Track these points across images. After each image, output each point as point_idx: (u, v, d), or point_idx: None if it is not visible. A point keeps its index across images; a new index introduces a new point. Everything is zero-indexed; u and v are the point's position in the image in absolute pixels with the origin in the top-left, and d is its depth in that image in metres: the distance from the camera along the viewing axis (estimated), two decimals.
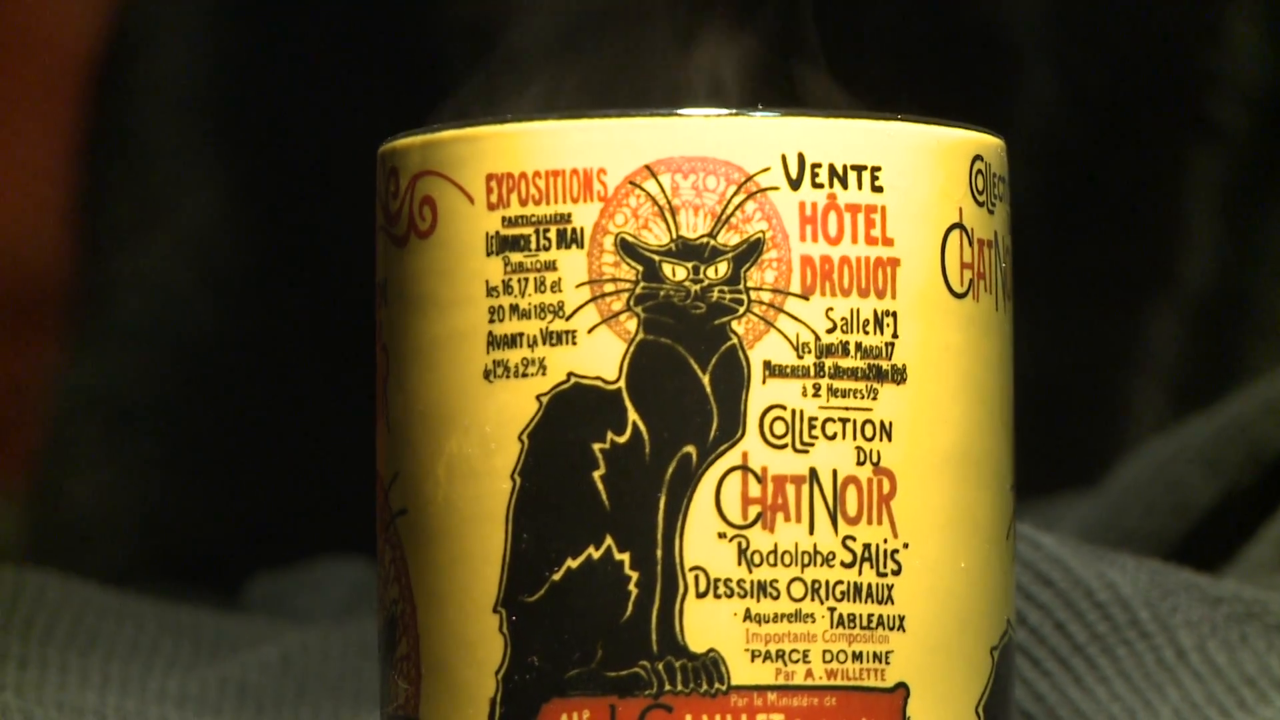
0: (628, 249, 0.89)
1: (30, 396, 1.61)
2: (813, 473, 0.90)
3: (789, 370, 0.90)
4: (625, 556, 0.90)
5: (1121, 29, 1.37)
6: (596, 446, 0.90)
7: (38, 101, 1.70)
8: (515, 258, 0.90)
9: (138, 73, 1.54)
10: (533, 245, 0.90)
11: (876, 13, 1.36)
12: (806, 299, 0.89)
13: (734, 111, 0.90)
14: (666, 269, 0.89)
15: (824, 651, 0.90)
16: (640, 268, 0.89)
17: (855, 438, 0.90)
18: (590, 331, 0.90)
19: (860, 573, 0.91)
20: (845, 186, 0.90)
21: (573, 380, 0.90)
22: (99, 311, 1.55)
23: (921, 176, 0.91)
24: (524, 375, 0.90)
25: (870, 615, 0.91)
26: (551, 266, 0.90)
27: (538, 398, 0.90)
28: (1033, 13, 1.36)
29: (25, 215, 1.71)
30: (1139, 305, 1.39)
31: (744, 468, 0.90)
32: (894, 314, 0.91)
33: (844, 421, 0.90)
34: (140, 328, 1.52)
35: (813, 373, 0.90)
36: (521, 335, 0.90)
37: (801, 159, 0.89)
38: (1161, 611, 1.04)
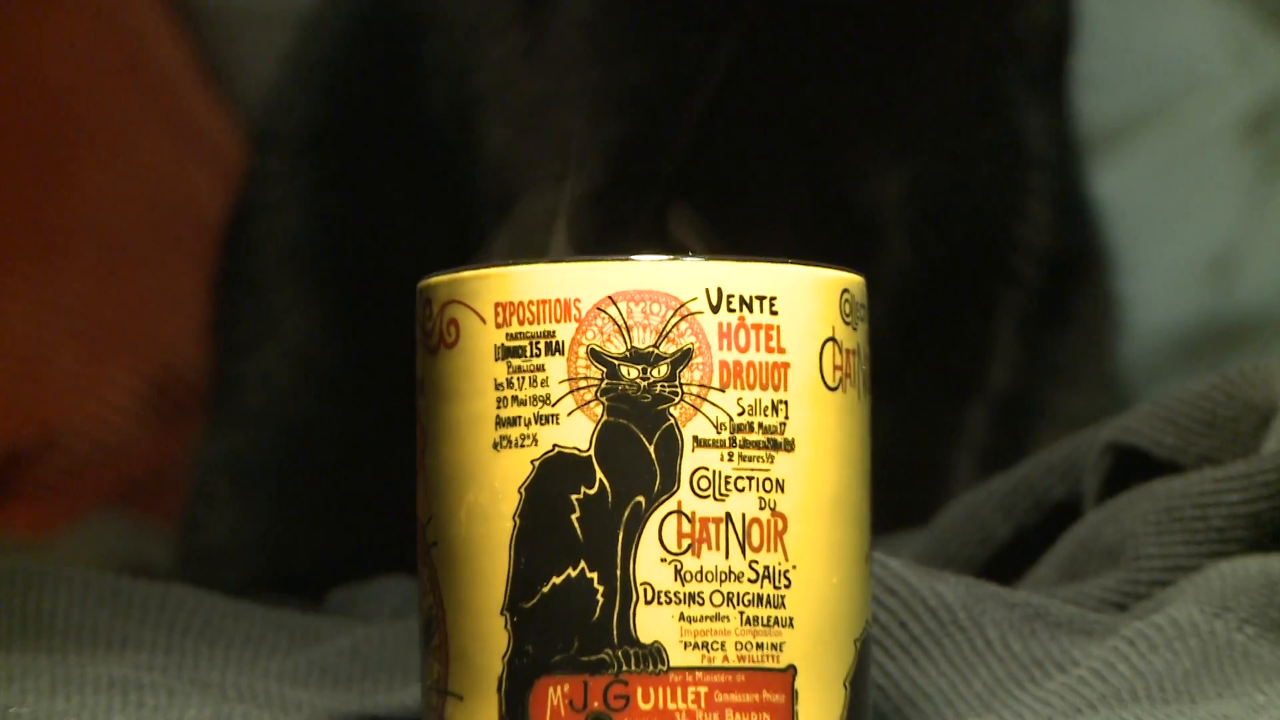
0: (595, 356, 0.88)
1: (181, 464, 1.59)
2: (728, 515, 0.89)
3: (711, 442, 0.89)
4: (594, 575, 0.89)
5: (953, 208, 1.36)
6: (573, 497, 0.89)
7: (186, 251, 1.67)
8: (515, 362, 0.89)
9: (256, 226, 1.53)
10: (527, 353, 0.89)
11: (781, 203, 1.35)
12: (723, 391, 0.89)
13: (671, 257, 0.90)
14: (623, 370, 0.88)
15: (736, 642, 0.89)
16: (604, 369, 0.88)
17: (758, 490, 0.89)
18: (569, 415, 0.89)
19: (761, 586, 0.90)
20: (751, 311, 0.89)
21: (556, 449, 0.89)
22: (228, 402, 1.54)
23: (805, 303, 0.90)
24: (522, 446, 0.89)
25: (769, 617, 0.90)
26: (541, 369, 0.89)
27: (532, 462, 0.89)
28: (889, 198, 1.34)
29: (177, 336, 1.68)
30: (961, 401, 1.38)
31: (679, 512, 0.89)
32: (786, 402, 0.90)
33: (750, 479, 0.89)
34: (258, 412, 1.51)
35: (728, 444, 0.89)
36: (520, 417, 0.89)
37: (720, 291, 0.89)
38: (974, 613, 1.04)
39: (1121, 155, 2.02)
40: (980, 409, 1.39)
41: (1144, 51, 2.08)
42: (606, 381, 0.89)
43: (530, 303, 0.90)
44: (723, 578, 0.89)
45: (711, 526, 0.89)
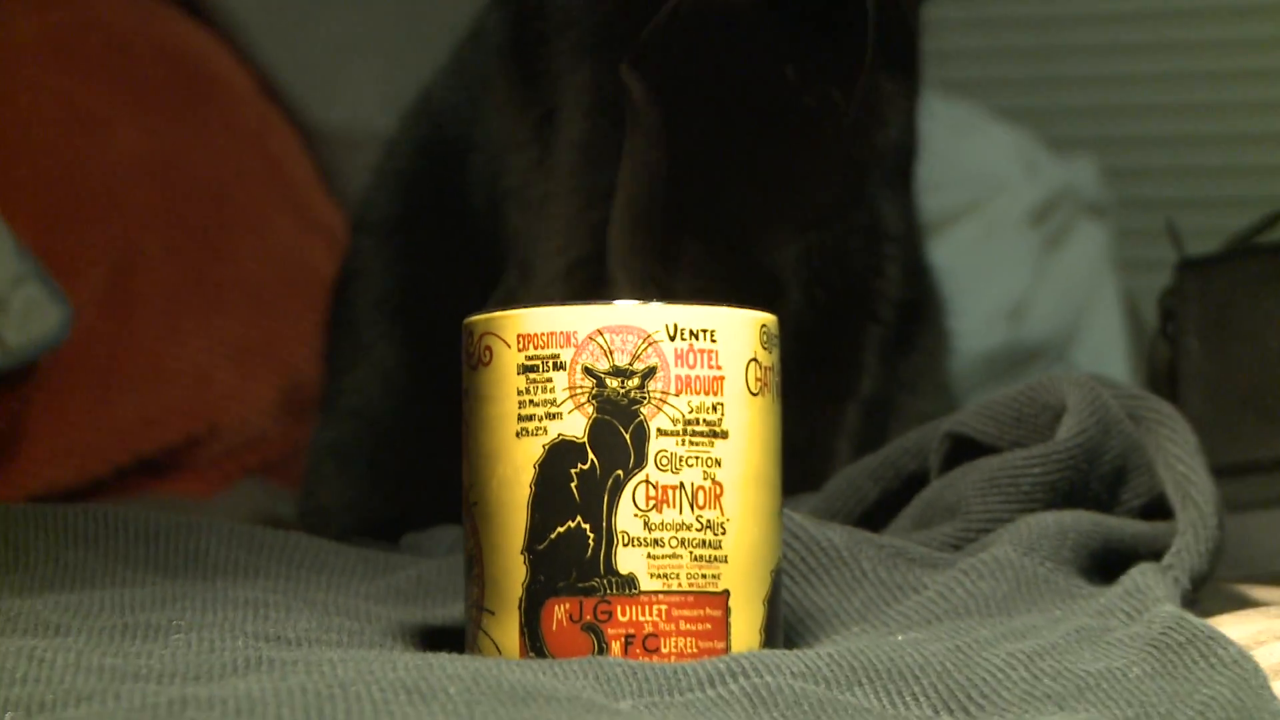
0: (588, 371, 0.88)
1: (301, 448, 1.58)
2: (681, 484, 0.88)
3: (669, 432, 0.88)
4: (587, 526, 0.87)
5: (834, 269, 1.33)
6: (572, 470, 0.88)
7: (307, 301, 1.65)
8: (531, 376, 0.88)
9: (353, 285, 1.52)
10: (540, 370, 0.88)
11: (715, 265, 1.33)
12: (678, 396, 0.88)
13: (641, 302, 0.88)
14: (608, 381, 0.88)
15: (687, 574, 0.88)
16: (594, 381, 0.88)
17: (702, 466, 0.89)
18: (569, 413, 0.88)
19: (705, 534, 0.88)
20: (697, 339, 0.88)
21: (560, 437, 0.88)
22: (333, 405, 1.52)
23: (735, 335, 0.89)
24: (536, 435, 0.88)
25: (710, 555, 0.88)
26: (550, 380, 0.88)
27: (543, 446, 0.88)
28: (789, 263, 1.32)
29: (301, 360, 1.66)
30: (842, 403, 1.37)
31: (646, 481, 0.88)
32: (722, 404, 0.89)
33: (697, 458, 0.89)
34: (353, 412, 1.50)
35: (681, 433, 0.88)
36: (534, 415, 0.88)
37: (676, 326, 0.88)
38: (853, 551, 1.02)
39: (949, 234, 2.01)
40: (855, 409, 1.37)
41: (963, 162, 2.07)
42: (596, 390, 0.88)
43: (541, 334, 0.88)
44: (678, 528, 0.88)
45: (670, 492, 0.88)
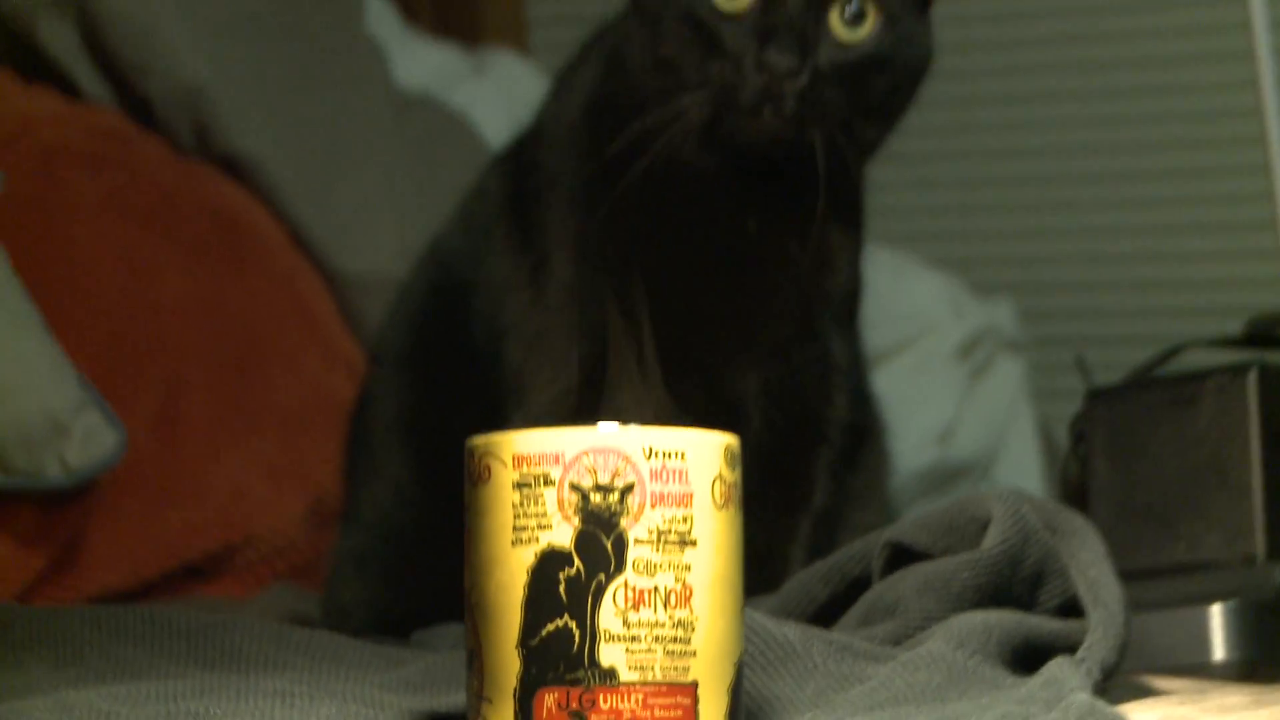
0: (574, 488, 0.87)
1: (326, 555, 1.57)
2: (656, 587, 0.87)
3: (645, 541, 0.87)
4: (573, 624, 0.86)
5: (789, 397, 1.34)
6: (561, 575, 0.87)
7: (331, 424, 1.65)
8: (524, 492, 0.87)
9: (370, 409, 1.51)
10: (532, 487, 0.87)
11: (685, 394, 1.32)
12: (653, 509, 0.87)
13: (623, 427, 0.87)
14: (592, 497, 0.87)
15: (660, 666, 0.86)
16: (580, 496, 0.87)
17: (674, 571, 0.88)
18: (558, 525, 0.87)
19: (676, 631, 0.87)
20: (670, 459, 0.88)
21: (550, 546, 0.86)
22: (353, 516, 1.51)
23: (702, 454, 0.88)
24: (528, 543, 0.87)
25: (682, 650, 0.87)
26: (541, 496, 0.87)
27: (535, 553, 0.87)
28: (750, 391, 1.32)
29: (326, 476, 1.66)
30: (796, 515, 1.36)
31: (625, 585, 0.86)
32: (691, 516, 0.88)
33: (669, 563, 0.88)
34: (370, 523, 1.48)
35: (656, 542, 0.87)
36: (527, 526, 0.87)
37: (650, 447, 0.88)
38: (806, 646, 1.01)
39: (888, 366, 2.01)
40: (807, 520, 1.36)
41: (900, 304, 2.07)
42: (581, 504, 0.87)
43: (534, 454, 0.87)
44: (653, 626, 0.87)
45: (646, 594, 0.87)
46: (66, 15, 1.85)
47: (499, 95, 2.16)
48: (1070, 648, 1.01)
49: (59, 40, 1.85)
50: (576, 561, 0.87)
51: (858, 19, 1.27)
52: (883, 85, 1.29)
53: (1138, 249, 2.53)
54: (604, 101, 1.35)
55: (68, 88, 1.85)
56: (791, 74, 1.24)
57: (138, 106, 1.86)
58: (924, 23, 1.32)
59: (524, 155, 1.41)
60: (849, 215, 1.37)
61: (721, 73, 1.25)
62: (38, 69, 1.85)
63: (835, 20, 1.27)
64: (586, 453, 0.87)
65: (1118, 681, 1.03)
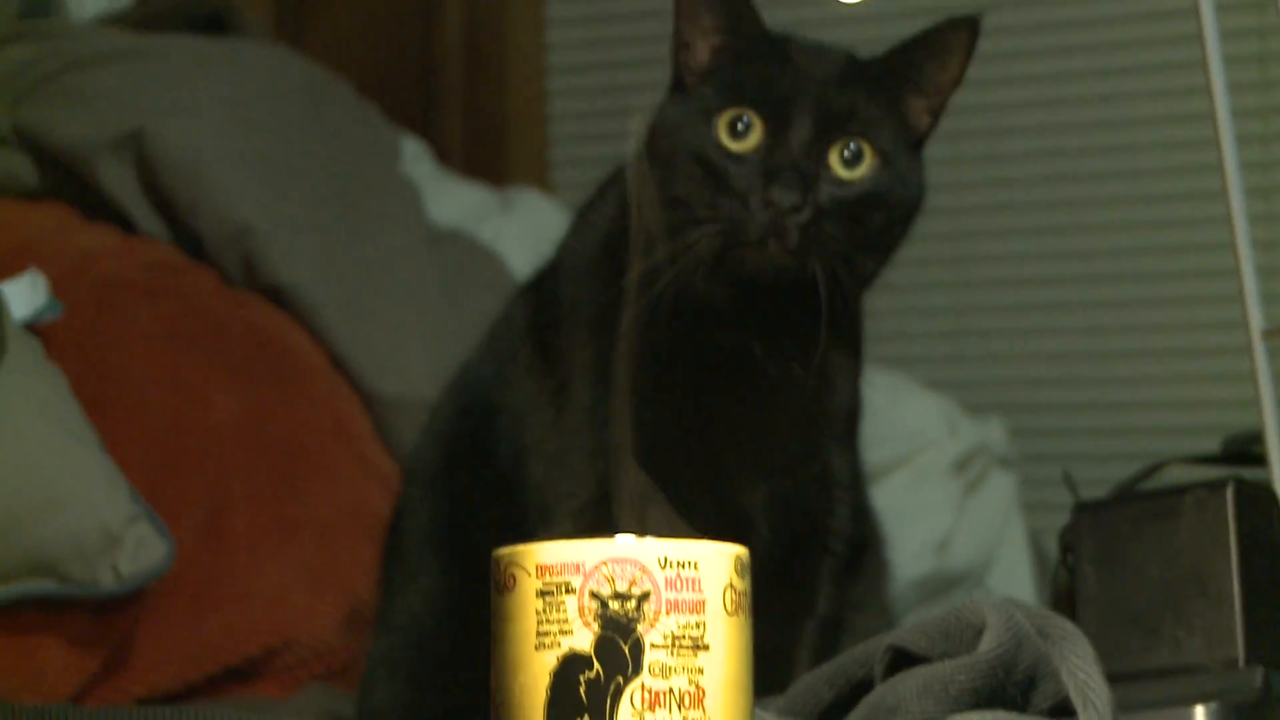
0: (594, 596, 0.86)
1: (360, 658, 1.55)
2: (671, 689, 0.85)
3: (660, 646, 0.86)
4: None
5: (794, 511, 1.33)
6: (581, 678, 0.85)
7: (367, 535, 1.63)
8: (547, 599, 0.86)
9: (404, 522, 1.50)
10: (555, 594, 0.86)
11: (697, 508, 1.31)
12: (668, 616, 0.86)
13: (639, 539, 0.87)
14: (611, 604, 0.86)
15: None
16: (599, 604, 0.86)
17: (688, 674, 0.86)
18: (579, 630, 0.86)
19: None
20: (684, 568, 0.86)
21: (571, 650, 0.85)
22: (386, 622, 1.50)
23: (714, 565, 0.87)
24: (551, 648, 0.86)
25: None
26: (563, 603, 0.86)
27: (557, 658, 0.86)
28: (758, 505, 1.31)
29: (361, 583, 1.64)
30: (802, 621, 1.34)
31: (642, 687, 0.85)
32: (704, 622, 0.87)
33: (683, 667, 0.86)
34: (402, 628, 1.47)
35: (670, 647, 0.86)
36: (550, 631, 0.86)
37: (666, 558, 0.86)
38: None
39: (887, 481, 2.00)
40: (812, 626, 1.35)
41: (898, 423, 2.06)
42: (601, 611, 0.86)
43: (556, 564, 0.86)
44: None
45: (662, 695, 0.85)
46: (124, 158, 1.86)
47: (524, 230, 2.17)
48: None
49: (117, 181, 1.85)
50: (596, 665, 0.85)
51: (856, 159, 1.28)
52: (879, 220, 1.29)
53: (1120, 372, 2.53)
54: (620, 237, 1.35)
55: (125, 224, 1.86)
56: (795, 209, 1.25)
57: (190, 241, 1.86)
58: (917, 162, 1.32)
59: (546, 286, 1.41)
60: (849, 340, 1.37)
61: (730, 208, 1.26)
62: (97, 207, 1.86)
63: (835, 160, 1.28)
64: (605, 563, 0.86)
65: None
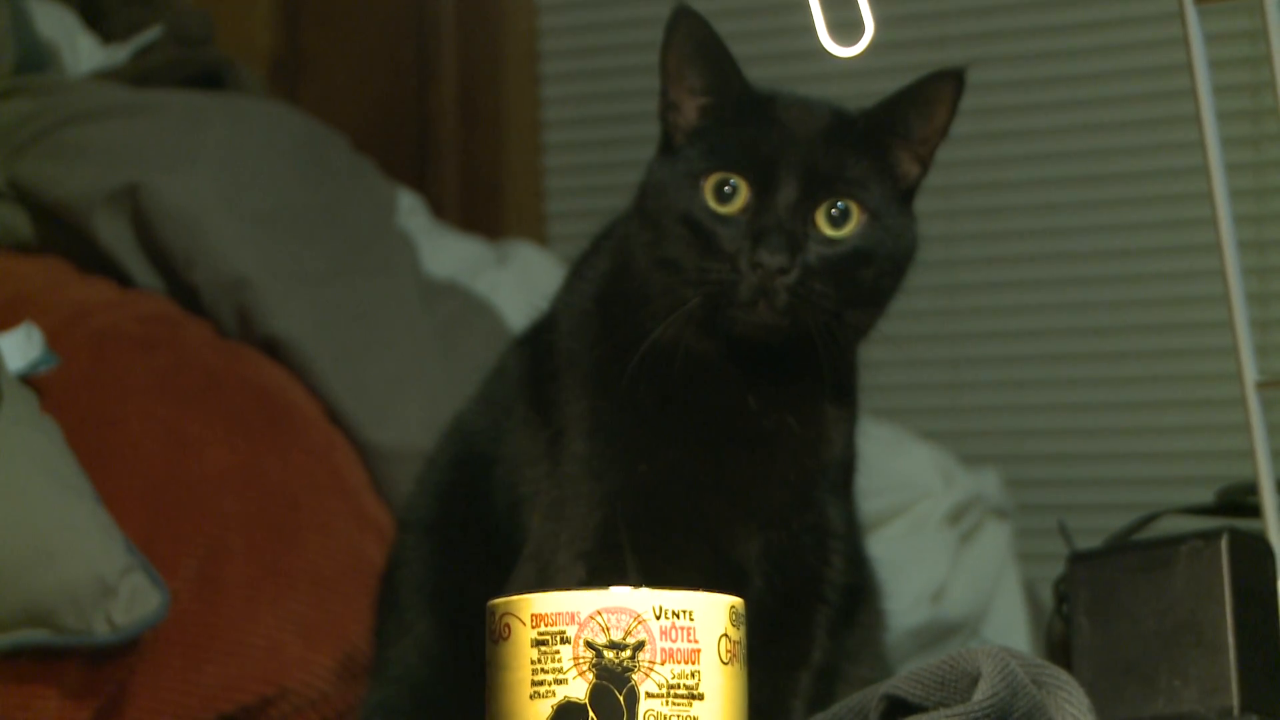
0: (589, 645, 0.86)
1: (355, 708, 1.55)
2: None
3: (655, 695, 0.85)
4: None
5: (789, 561, 1.33)
6: None
7: (362, 586, 1.64)
8: (542, 649, 0.86)
9: (398, 573, 1.50)
10: (549, 644, 0.86)
11: (692, 558, 1.31)
12: (663, 665, 0.86)
13: (633, 589, 0.87)
14: (605, 653, 0.85)
15: None
16: (594, 653, 0.85)
17: None
18: (574, 679, 0.86)
19: None
20: (678, 618, 0.86)
21: (566, 699, 0.85)
22: (381, 672, 1.50)
23: (709, 615, 0.87)
24: (546, 696, 0.86)
25: None
26: (558, 652, 0.86)
27: (552, 706, 0.86)
28: (753, 556, 1.31)
29: (356, 634, 1.65)
30: (796, 670, 1.34)
31: None
32: (699, 670, 0.86)
33: (679, 716, 0.87)
34: (396, 678, 1.47)
35: (666, 696, 0.85)
36: (544, 680, 0.86)
37: (661, 607, 0.86)
38: None
39: (883, 531, 2.00)
40: (807, 675, 1.34)
41: (894, 474, 2.07)
42: (595, 660, 0.86)
43: (551, 614, 0.87)
44: None
45: None
46: (120, 211, 1.86)
47: (520, 282, 2.17)
48: None
49: (113, 234, 1.86)
50: (591, 714, 0.85)
51: (843, 218, 1.29)
52: (869, 276, 1.30)
53: (1115, 423, 2.53)
54: (613, 291, 1.35)
55: (121, 277, 1.87)
56: (782, 271, 1.25)
57: (185, 294, 1.87)
58: (907, 214, 1.33)
59: (541, 338, 1.41)
60: (843, 391, 1.37)
61: (719, 271, 1.26)
62: (93, 260, 1.86)
63: (822, 220, 1.28)
64: (600, 612, 0.86)
65: None
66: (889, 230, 1.30)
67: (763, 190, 1.28)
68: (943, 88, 1.30)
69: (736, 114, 1.30)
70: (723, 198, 1.28)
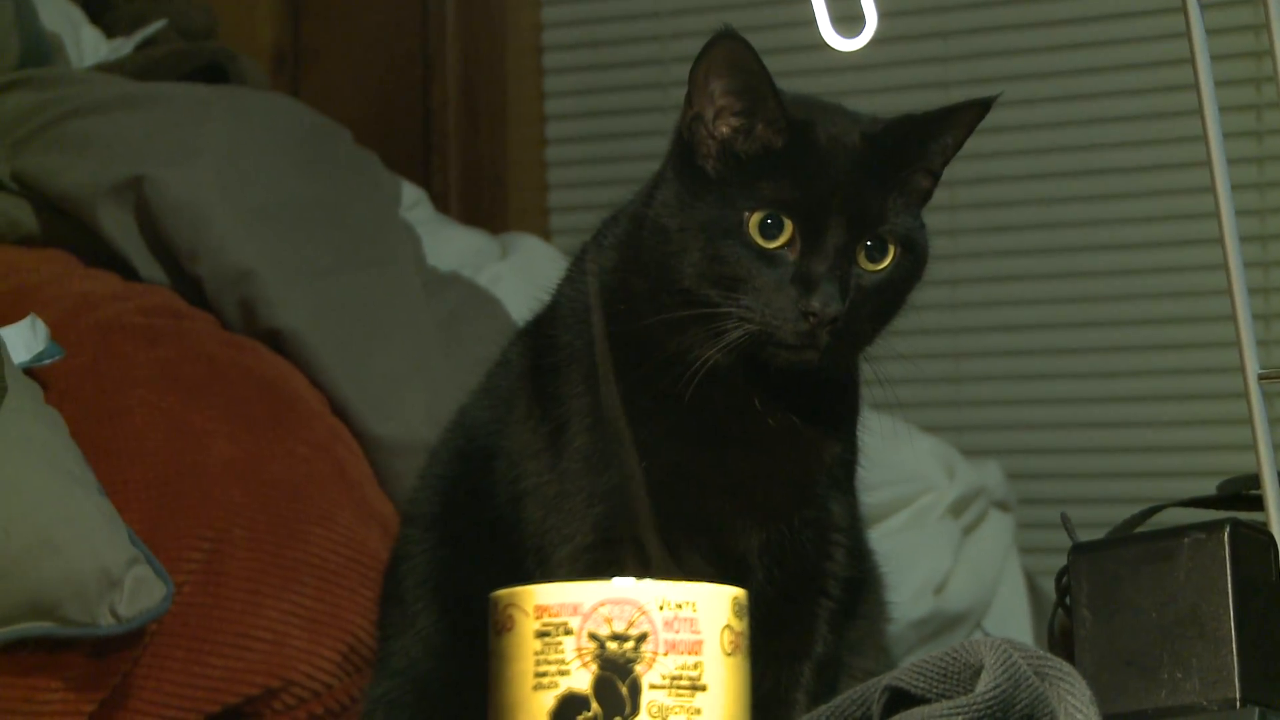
0: (592, 636, 0.86)
1: (358, 700, 1.55)
2: None
3: (659, 685, 0.85)
4: None
5: (789, 554, 1.34)
6: (579, 718, 0.87)
7: (366, 578, 1.64)
8: (546, 640, 0.86)
9: (402, 566, 1.51)
10: (552, 635, 0.86)
11: (695, 551, 1.31)
12: (666, 656, 0.86)
13: (637, 581, 0.87)
14: (608, 645, 0.86)
15: None
16: (597, 644, 0.86)
17: (686, 713, 0.88)
18: (577, 670, 0.86)
19: None
20: (681, 610, 0.86)
21: (569, 690, 0.85)
22: (384, 664, 1.50)
23: (712, 606, 0.87)
24: (549, 688, 0.86)
25: None
26: (560, 643, 0.86)
27: (555, 698, 0.86)
28: (755, 549, 1.31)
29: (359, 626, 1.65)
30: (799, 662, 1.34)
31: None
32: (702, 661, 0.87)
33: (681, 706, 0.87)
34: (400, 670, 1.47)
35: (668, 686, 0.85)
36: (547, 671, 0.86)
37: (664, 599, 0.87)
38: None
39: (887, 524, 2.00)
40: (810, 667, 1.34)
41: (897, 467, 2.07)
42: (599, 651, 0.87)
43: (554, 605, 0.88)
44: None
45: None
46: (124, 204, 1.86)
47: (523, 274, 2.17)
48: None
49: (117, 227, 1.86)
50: (594, 705, 0.86)
51: (881, 253, 1.29)
52: (899, 300, 1.31)
53: (1117, 416, 2.54)
54: (616, 285, 1.35)
55: (125, 270, 1.86)
56: (834, 319, 1.25)
57: (189, 286, 1.87)
58: (923, 229, 1.33)
59: (544, 331, 1.41)
60: (846, 388, 1.37)
61: (764, 312, 1.25)
62: (97, 253, 1.86)
63: (862, 257, 1.28)
64: (603, 604, 0.86)
65: None
66: (915, 254, 1.31)
67: (810, 232, 1.26)
68: (970, 116, 1.30)
69: (775, 143, 1.28)
70: (767, 232, 1.26)
